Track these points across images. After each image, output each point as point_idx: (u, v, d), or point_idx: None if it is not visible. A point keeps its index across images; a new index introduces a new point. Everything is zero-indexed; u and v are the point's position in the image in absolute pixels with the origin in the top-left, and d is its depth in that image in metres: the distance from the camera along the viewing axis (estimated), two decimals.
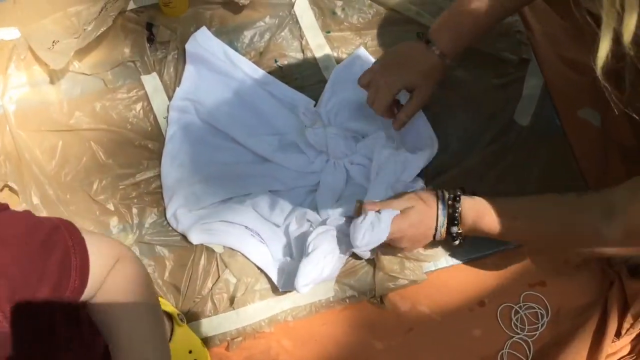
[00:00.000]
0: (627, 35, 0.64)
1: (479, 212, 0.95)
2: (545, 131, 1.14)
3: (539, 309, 1.06)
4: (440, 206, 0.97)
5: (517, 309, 1.06)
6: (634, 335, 1.02)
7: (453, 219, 0.96)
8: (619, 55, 0.67)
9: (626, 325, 1.01)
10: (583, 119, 1.14)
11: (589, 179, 1.11)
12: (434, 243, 1.03)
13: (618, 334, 1.01)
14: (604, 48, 0.66)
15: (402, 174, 1.07)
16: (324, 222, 1.04)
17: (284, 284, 1.04)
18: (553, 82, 1.16)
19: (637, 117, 0.78)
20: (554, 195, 0.92)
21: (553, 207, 0.92)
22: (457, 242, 0.99)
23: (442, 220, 0.97)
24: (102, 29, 1.16)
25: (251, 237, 1.08)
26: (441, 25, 1.03)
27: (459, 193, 0.97)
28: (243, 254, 1.07)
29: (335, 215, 1.05)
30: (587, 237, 0.88)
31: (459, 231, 0.97)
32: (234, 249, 1.08)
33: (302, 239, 1.04)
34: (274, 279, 1.05)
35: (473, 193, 0.99)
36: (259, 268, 1.07)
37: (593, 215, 0.86)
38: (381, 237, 0.96)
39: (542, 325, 1.05)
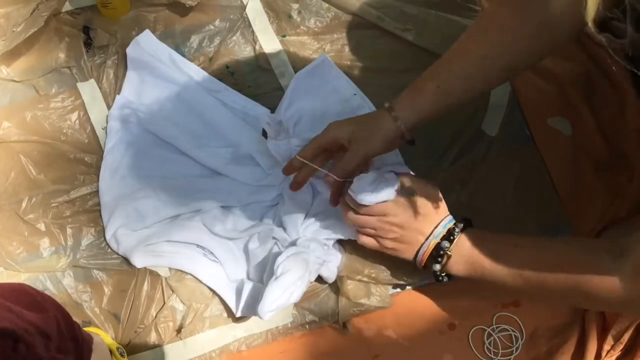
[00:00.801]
0: None
1: (477, 238, 0.89)
2: (516, 141, 1.10)
3: (512, 331, 1.01)
4: (448, 218, 0.91)
5: (490, 331, 1.00)
6: (614, 358, 0.98)
7: (450, 234, 0.89)
8: (611, 2, 0.61)
9: (606, 347, 0.96)
10: (553, 128, 1.10)
11: (561, 190, 1.07)
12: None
13: (598, 356, 0.97)
14: None
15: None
16: (293, 243, 0.96)
17: (242, 309, 0.95)
18: (521, 90, 1.12)
19: (636, 71, 0.67)
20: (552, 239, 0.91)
21: (554, 243, 0.88)
22: (438, 267, 0.90)
23: (443, 228, 0.89)
24: (32, 30, 1.07)
25: (203, 257, 0.99)
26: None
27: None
28: (194, 276, 0.99)
29: (307, 235, 0.98)
30: (591, 271, 0.80)
31: (449, 253, 0.89)
32: (184, 270, 1.00)
33: (265, 258, 0.96)
34: (230, 303, 0.97)
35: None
36: (212, 291, 0.99)
37: (599, 253, 0.80)
38: (389, 194, 0.89)
39: (516, 349, 1.00)
